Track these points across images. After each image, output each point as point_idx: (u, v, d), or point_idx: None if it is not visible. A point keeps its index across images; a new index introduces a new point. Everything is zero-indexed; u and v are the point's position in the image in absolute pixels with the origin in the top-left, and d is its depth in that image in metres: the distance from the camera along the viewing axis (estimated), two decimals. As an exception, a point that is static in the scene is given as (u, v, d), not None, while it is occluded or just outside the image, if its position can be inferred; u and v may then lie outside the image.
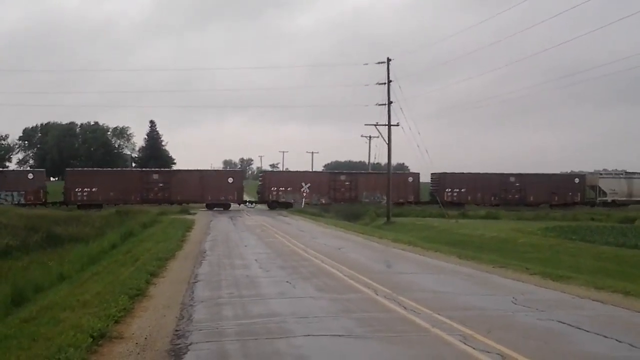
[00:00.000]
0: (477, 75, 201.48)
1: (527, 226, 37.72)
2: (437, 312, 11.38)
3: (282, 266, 19.15)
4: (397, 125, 48.36)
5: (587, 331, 10.14)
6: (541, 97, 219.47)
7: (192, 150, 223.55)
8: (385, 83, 48.84)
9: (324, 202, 63.35)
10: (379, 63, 49.63)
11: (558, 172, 75.59)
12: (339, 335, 9.90)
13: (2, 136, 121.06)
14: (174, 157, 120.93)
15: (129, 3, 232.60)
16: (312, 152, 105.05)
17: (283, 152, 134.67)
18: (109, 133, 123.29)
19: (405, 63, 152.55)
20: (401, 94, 62.65)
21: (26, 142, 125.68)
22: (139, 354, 8.94)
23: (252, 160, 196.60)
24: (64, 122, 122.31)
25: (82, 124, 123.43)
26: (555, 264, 20.81)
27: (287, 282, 15.74)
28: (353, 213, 54.79)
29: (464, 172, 68.01)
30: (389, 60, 48.91)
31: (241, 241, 28.51)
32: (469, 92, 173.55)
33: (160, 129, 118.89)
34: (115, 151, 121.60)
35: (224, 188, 61.90)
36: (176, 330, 10.28)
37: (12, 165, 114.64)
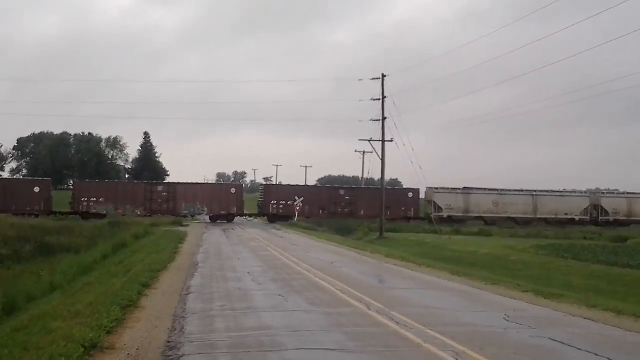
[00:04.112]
0: (492, 89, 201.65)
1: (519, 244, 37.76)
2: (429, 328, 11.39)
3: (275, 279, 19.14)
4: (391, 141, 48.47)
5: (579, 349, 10.15)
6: (554, 113, 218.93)
7: (196, 162, 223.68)
8: (379, 99, 49.03)
9: (139, 213, 60.54)
10: (373, 79, 49.85)
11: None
12: (332, 350, 9.89)
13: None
14: (167, 168, 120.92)
15: (168, 15, 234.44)
16: (306, 167, 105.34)
17: (277, 165, 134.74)
18: (102, 144, 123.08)
19: (427, 74, 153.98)
20: (395, 109, 62.65)
21: (19, 151, 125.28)
22: (130, 365, 8.92)
23: (245, 174, 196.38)
24: (56, 132, 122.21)
25: (75, 134, 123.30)
26: (547, 281, 20.85)
27: (280, 295, 15.72)
28: (346, 227, 54.84)
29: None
30: (383, 76, 49.12)
31: (234, 254, 28.47)
32: (483, 106, 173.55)
33: (169, 141, 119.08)
34: (109, 162, 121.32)
35: (29, 198, 59.07)
36: (168, 342, 10.25)
37: (5, 175, 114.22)
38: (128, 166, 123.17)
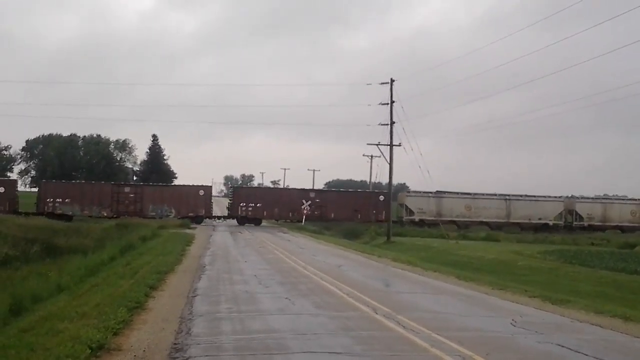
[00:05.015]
0: (504, 95, 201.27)
1: (526, 249, 37.68)
2: (436, 332, 11.36)
3: (282, 282, 19.13)
4: (399, 145, 48.45)
5: (587, 355, 10.11)
6: (564, 120, 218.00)
7: (205, 165, 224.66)
8: (388, 104, 49.06)
9: (105, 214, 59.58)
10: (382, 84, 49.86)
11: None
12: (338, 353, 9.87)
13: (4, 147, 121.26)
14: (175, 171, 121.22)
15: (186, 19, 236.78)
16: (314, 170, 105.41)
17: (285, 169, 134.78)
18: (111, 146, 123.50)
19: (440, 80, 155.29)
20: (404, 114, 62.67)
21: (28, 153, 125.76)
22: (137, 366, 8.93)
23: (253, 177, 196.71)
24: (64, 134, 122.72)
25: (84, 137, 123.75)
26: (554, 287, 20.76)
27: (287, 298, 15.72)
28: (353, 231, 54.78)
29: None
30: (392, 81, 49.16)
31: (241, 257, 28.48)
32: (495, 112, 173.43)
33: (180, 143, 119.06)
34: (117, 164, 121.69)
35: None
36: (174, 344, 10.25)
37: (13, 176, 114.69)
38: (136, 168, 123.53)
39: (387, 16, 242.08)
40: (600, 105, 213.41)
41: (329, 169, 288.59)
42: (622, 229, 64.88)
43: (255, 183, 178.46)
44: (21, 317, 14.07)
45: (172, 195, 63.47)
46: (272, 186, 66.52)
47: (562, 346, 10.68)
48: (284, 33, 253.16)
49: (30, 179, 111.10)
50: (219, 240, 40.20)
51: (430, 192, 65.18)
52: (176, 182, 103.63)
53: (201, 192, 63.79)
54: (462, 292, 18.07)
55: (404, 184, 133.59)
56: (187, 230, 49.25)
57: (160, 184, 68.53)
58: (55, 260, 28.11)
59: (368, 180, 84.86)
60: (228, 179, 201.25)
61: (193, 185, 66.28)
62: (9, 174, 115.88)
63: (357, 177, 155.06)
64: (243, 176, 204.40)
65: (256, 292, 16.92)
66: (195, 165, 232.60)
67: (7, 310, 14.51)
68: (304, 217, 62.96)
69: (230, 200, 66.17)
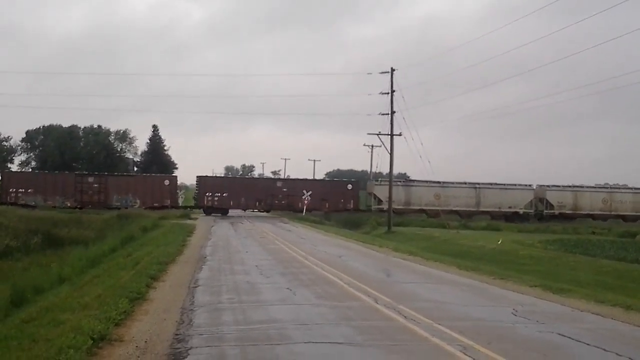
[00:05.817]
0: (509, 83, 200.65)
1: (527, 238, 37.68)
2: (437, 322, 11.38)
3: (283, 273, 19.15)
4: (400, 134, 48.40)
5: (587, 344, 10.12)
6: (569, 107, 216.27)
7: (208, 155, 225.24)
8: (388, 93, 48.98)
9: (69, 205, 58.89)
10: (382, 73, 49.73)
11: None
12: (339, 343, 9.90)
13: (4, 138, 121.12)
14: (176, 161, 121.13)
15: (195, 10, 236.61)
16: (314, 160, 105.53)
17: (285, 159, 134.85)
18: (111, 137, 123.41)
19: (445, 69, 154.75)
20: (404, 104, 62.38)
21: (28, 144, 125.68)
22: (139, 357, 8.94)
23: (254, 167, 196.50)
24: (65, 125, 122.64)
25: (84, 127, 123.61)
26: (555, 276, 20.77)
27: (288, 288, 15.74)
28: (354, 221, 54.78)
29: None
30: (392, 70, 49.05)
31: (242, 247, 28.51)
32: (500, 100, 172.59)
33: (183, 134, 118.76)
34: (118, 154, 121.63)
35: None
36: (176, 334, 10.28)
37: (14, 167, 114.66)
38: (137, 159, 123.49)
39: (392, 5, 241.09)
40: (604, 94, 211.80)
41: (331, 159, 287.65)
42: (593, 217, 64.55)
43: (255, 173, 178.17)
44: (23, 308, 14.11)
45: (137, 186, 62.88)
46: (237, 175, 66.15)
47: (563, 335, 10.70)
48: (288, 24, 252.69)
49: (30, 170, 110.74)
50: (220, 231, 40.24)
51: (399, 181, 65.01)
52: (177, 172, 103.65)
53: (166, 182, 63.48)
54: (463, 282, 18.10)
55: (405, 173, 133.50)
56: (188, 221, 49.34)
57: (125, 173, 67.84)
58: (56, 252, 28.19)
59: (369, 170, 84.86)
60: (228, 169, 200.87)
61: (158, 175, 65.54)
62: (9, 165, 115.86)
63: (359, 167, 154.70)
64: (243, 166, 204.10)
65: (257, 282, 16.94)
66: (197, 155, 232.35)
67: (9, 302, 14.55)
68: (305, 207, 62.81)
69: (196, 190, 65.32)
